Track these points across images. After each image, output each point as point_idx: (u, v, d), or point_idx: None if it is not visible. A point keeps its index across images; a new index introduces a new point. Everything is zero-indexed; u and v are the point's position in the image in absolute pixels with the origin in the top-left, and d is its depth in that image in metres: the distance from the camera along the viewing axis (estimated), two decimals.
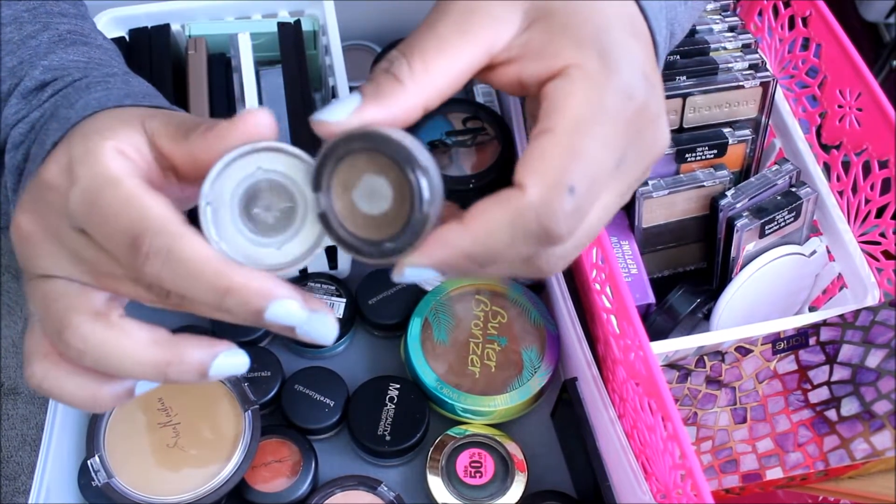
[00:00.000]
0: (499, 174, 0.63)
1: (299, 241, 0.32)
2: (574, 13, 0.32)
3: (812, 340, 0.52)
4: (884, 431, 0.47)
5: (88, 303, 0.33)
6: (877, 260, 0.56)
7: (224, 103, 0.61)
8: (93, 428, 0.52)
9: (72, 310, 0.32)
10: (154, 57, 0.61)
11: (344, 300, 0.60)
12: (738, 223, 0.55)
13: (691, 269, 0.61)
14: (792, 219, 0.57)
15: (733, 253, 0.56)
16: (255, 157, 0.32)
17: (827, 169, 0.59)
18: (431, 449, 0.55)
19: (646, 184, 0.56)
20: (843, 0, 1.27)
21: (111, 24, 0.63)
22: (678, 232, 0.59)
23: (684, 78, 0.56)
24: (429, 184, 0.30)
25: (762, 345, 0.54)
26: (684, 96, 0.56)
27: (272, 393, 0.57)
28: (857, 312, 0.51)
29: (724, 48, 0.58)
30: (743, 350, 0.54)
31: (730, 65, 0.57)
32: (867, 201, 0.56)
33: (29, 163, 0.37)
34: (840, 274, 0.59)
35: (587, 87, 0.31)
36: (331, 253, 0.61)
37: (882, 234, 0.55)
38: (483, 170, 0.64)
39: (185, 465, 0.52)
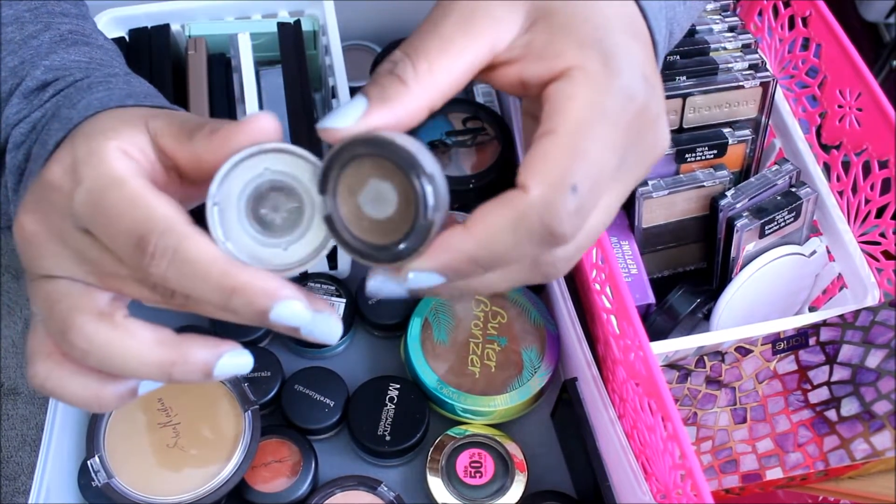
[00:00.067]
0: (499, 174, 0.63)
1: (306, 242, 0.32)
2: (575, 14, 0.32)
3: (812, 340, 0.52)
4: (884, 432, 0.47)
5: (92, 303, 0.33)
6: (877, 260, 0.56)
7: (224, 103, 0.61)
8: (93, 428, 0.52)
9: (76, 310, 0.32)
10: (154, 57, 0.61)
11: (344, 300, 0.60)
12: (738, 223, 0.55)
13: (691, 269, 0.61)
14: (792, 219, 0.57)
15: (733, 253, 0.56)
16: (263, 157, 0.32)
17: (827, 169, 0.59)
18: (431, 449, 0.55)
19: (646, 184, 0.56)
20: (843, 0, 1.27)
21: (111, 24, 0.63)
22: (678, 232, 0.59)
23: (684, 78, 0.56)
24: (434, 190, 0.30)
25: (762, 345, 0.54)
26: (684, 96, 0.56)
27: (272, 393, 0.57)
28: (857, 313, 0.51)
29: (724, 48, 0.58)
30: (743, 350, 0.54)
31: (730, 65, 0.57)
32: (867, 201, 0.56)
33: (30, 163, 0.37)
34: (840, 274, 0.59)
35: (589, 89, 0.31)
36: (331, 253, 0.61)
37: (882, 234, 0.55)
38: (483, 170, 0.64)
39: (185, 465, 0.52)
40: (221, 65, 0.63)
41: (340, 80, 0.62)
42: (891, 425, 0.47)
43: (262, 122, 0.31)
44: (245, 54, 0.61)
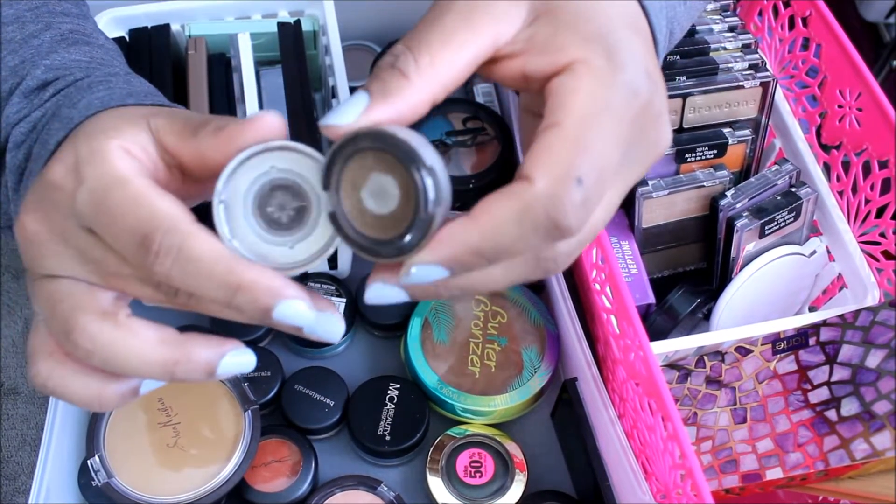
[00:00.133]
0: (499, 174, 0.63)
1: (313, 240, 0.32)
2: (579, 10, 0.32)
3: (812, 340, 0.52)
4: (884, 432, 0.47)
5: (96, 302, 0.33)
6: (877, 260, 0.56)
7: (224, 103, 0.61)
8: (93, 428, 0.52)
9: (79, 310, 0.32)
10: (154, 57, 0.61)
11: (344, 300, 0.60)
12: (738, 223, 0.55)
13: (691, 269, 0.61)
14: (792, 219, 0.57)
15: (733, 253, 0.56)
16: (269, 156, 0.32)
17: (827, 169, 0.59)
18: (431, 449, 0.55)
19: (646, 184, 0.56)
20: (843, 0, 1.27)
21: (111, 24, 0.63)
22: (678, 232, 0.59)
23: (684, 78, 0.56)
24: (434, 183, 0.30)
25: (762, 345, 0.54)
26: (684, 96, 0.56)
27: (272, 393, 0.57)
28: (857, 312, 0.51)
29: (724, 48, 0.58)
30: (743, 350, 0.54)
31: (730, 65, 0.57)
32: (867, 201, 0.56)
33: (31, 162, 0.37)
34: (840, 274, 0.59)
35: (593, 83, 0.31)
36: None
37: (882, 234, 0.55)
38: (483, 170, 0.64)
39: (186, 464, 0.52)
40: (221, 65, 0.63)
41: (340, 80, 0.62)
42: (891, 425, 0.47)
43: (268, 120, 0.31)
44: (245, 54, 0.61)
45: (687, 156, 0.57)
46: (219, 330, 0.58)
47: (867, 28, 1.28)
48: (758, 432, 0.52)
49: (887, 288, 0.55)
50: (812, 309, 0.63)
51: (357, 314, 0.61)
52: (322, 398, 0.57)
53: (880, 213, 0.55)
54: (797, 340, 0.53)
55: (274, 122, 0.31)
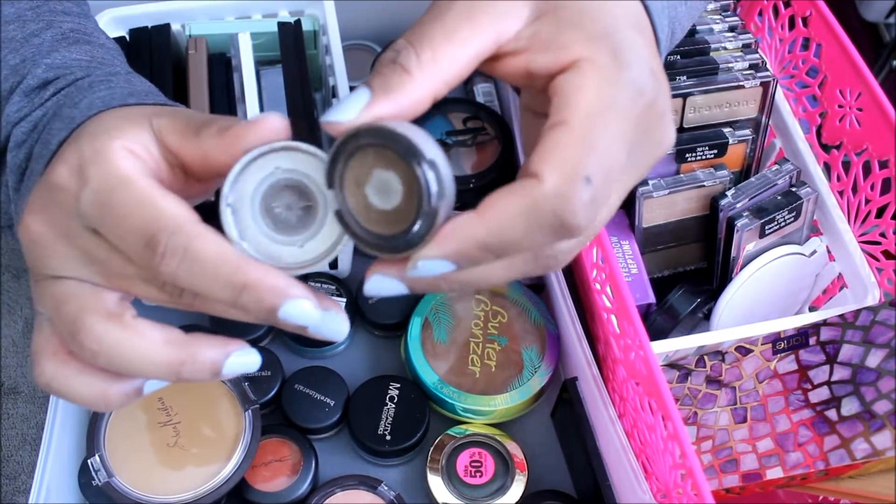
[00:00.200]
0: (499, 174, 0.63)
1: (321, 238, 0.32)
2: (584, 9, 0.32)
3: (812, 340, 0.52)
4: (884, 431, 0.47)
5: (101, 303, 0.33)
6: (877, 260, 0.56)
7: (224, 103, 0.61)
8: (93, 427, 0.52)
9: (85, 311, 0.32)
10: (154, 57, 0.61)
11: (344, 300, 0.60)
12: (739, 223, 0.55)
13: (691, 269, 0.62)
14: (792, 219, 0.57)
15: (733, 253, 0.56)
16: (273, 157, 0.32)
17: (827, 169, 0.59)
18: (431, 448, 0.55)
19: (646, 184, 0.56)
20: (843, 0, 1.27)
21: (111, 23, 0.63)
22: (678, 232, 0.59)
23: (684, 78, 0.56)
24: (436, 177, 0.30)
25: (762, 345, 0.54)
26: (684, 96, 0.56)
27: (272, 392, 0.57)
28: (857, 312, 0.51)
29: (725, 48, 0.58)
30: (743, 350, 0.54)
31: (730, 65, 0.57)
32: (867, 201, 0.56)
33: (32, 162, 0.37)
34: (840, 274, 0.59)
35: (599, 81, 0.31)
36: None
37: (882, 234, 0.55)
38: (483, 170, 0.64)
39: (186, 464, 0.52)
40: (222, 64, 0.63)
41: (341, 80, 0.62)
42: (891, 425, 0.47)
43: (271, 121, 0.31)
44: (245, 54, 0.61)
45: (687, 155, 0.57)
46: (219, 329, 0.58)
47: (867, 28, 1.28)
48: (758, 432, 0.52)
49: (887, 288, 0.55)
50: (812, 309, 0.63)
51: (357, 314, 0.61)
52: (322, 398, 0.57)
53: (880, 212, 0.55)
54: (797, 340, 0.53)
55: (277, 123, 0.32)
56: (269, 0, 0.66)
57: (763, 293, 0.59)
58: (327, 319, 0.32)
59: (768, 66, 0.58)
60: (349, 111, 0.30)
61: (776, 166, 0.58)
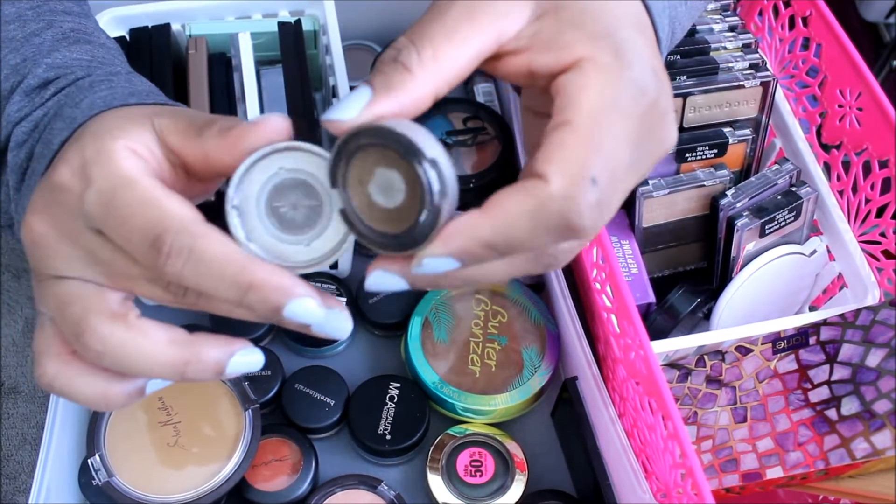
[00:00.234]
0: (499, 174, 0.63)
1: (327, 236, 0.33)
2: (585, 9, 0.32)
3: (812, 340, 0.52)
4: (884, 431, 0.47)
5: (105, 304, 0.33)
6: (877, 259, 0.56)
7: (224, 103, 0.61)
8: (93, 427, 0.52)
9: (89, 311, 0.32)
10: (154, 56, 0.61)
11: (344, 300, 0.60)
12: (739, 223, 0.55)
13: (691, 269, 0.62)
14: (792, 218, 0.57)
15: (733, 252, 0.56)
16: (276, 157, 0.32)
17: (827, 169, 0.59)
18: (431, 448, 0.55)
19: (646, 183, 0.56)
20: (843, 0, 1.27)
21: (112, 23, 0.63)
22: (678, 231, 0.59)
23: (684, 78, 0.56)
24: (438, 175, 0.30)
25: (762, 344, 0.54)
26: (684, 96, 0.56)
27: (272, 392, 0.57)
28: (857, 312, 0.51)
29: (725, 48, 0.58)
30: (743, 349, 0.54)
31: (730, 64, 0.57)
32: (867, 201, 0.56)
33: (33, 162, 0.37)
34: (840, 273, 0.59)
35: (601, 80, 0.31)
36: None
37: (882, 234, 0.55)
38: (483, 170, 0.64)
39: (186, 463, 0.52)
40: (222, 64, 0.63)
41: (341, 80, 0.62)
42: (891, 424, 0.47)
43: (273, 122, 0.31)
44: (245, 54, 0.61)
45: (687, 155, 0.57)
46: (220, 329, 0.58)
47: (867, 28, 1.28)
48: (758, 431, 0.52)
49: (887, 287, 0.55)
50: (812, 308, 0.63)
51: (357, 313, 0.61)
52: (322, 397, 0.57)
53: (880, 212, 0.55)
54: (797, 340, 0.53)
55: (279, 123, 0.32)
56: (269, 0, 0.66)
57: (763, 293, 0.59)
58: (331, 318, 0.32)
59: (768, 65, 0.58)
60: (350, 109, 0.30)
61: (776, 166, 0.58)
